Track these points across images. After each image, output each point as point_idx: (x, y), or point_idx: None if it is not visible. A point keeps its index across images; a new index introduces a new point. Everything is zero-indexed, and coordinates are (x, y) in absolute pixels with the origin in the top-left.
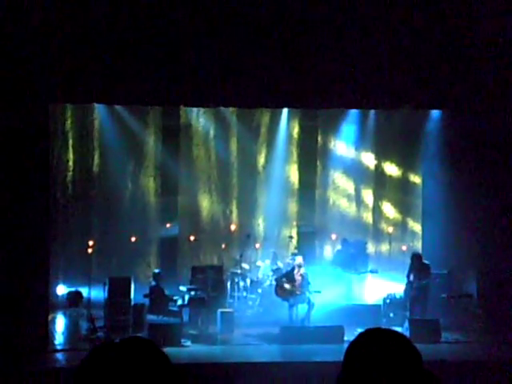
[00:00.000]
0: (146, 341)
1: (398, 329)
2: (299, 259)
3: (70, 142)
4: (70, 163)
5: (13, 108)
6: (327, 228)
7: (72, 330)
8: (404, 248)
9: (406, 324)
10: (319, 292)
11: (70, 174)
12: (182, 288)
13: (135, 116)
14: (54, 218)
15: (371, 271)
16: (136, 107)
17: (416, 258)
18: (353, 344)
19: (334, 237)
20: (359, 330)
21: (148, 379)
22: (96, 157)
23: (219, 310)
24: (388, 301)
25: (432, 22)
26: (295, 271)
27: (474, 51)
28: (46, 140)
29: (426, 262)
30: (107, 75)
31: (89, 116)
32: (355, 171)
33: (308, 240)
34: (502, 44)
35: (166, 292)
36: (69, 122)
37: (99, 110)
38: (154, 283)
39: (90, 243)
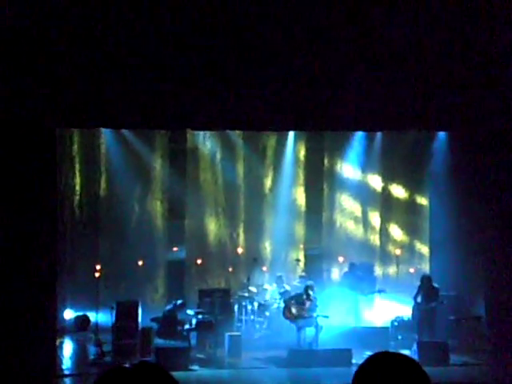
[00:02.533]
0: (155, 366)
1: (407, 351)
2: (310, 283)
3: (77, 166)
4: (77, 188)
5: (20, 133)
6: (334, 250)
7: (80, 354)
8: (411, 270)
9: (415, 347)
10: (327, 317)
11: (77, 198)
12: (190, 312)
13: (142, 140)
14: (61, 243)
15: (379, 291)
16: (142, 131)
17: (426, 280)
18: (361, 368)
19: (341, 259)
20: (367, 353)
21: None
22: (103, 181)
23: (227, 334)
24: (396, 323)
25: (438, 45)
26: (304, 294)
27: (480, 73)
28: (53, 165)
29: (436, 285)
30: (114, 100)
31: (96, 140)
32: (362, 193)
33: (315, 263)
34: (507, 66)
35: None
36: (76, 146)
37: (106, 135)
38: (170, 307)
39: (98, 267)
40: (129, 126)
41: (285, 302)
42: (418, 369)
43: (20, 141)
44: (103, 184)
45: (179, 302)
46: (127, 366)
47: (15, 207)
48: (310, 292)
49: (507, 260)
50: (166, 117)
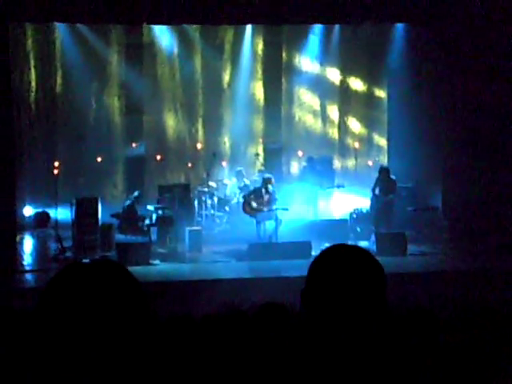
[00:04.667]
0: (114, 262)
1: (365, 243)
2: (268, 176)
3: (32, 62)
4: (33, 84)
5: None
6: (293, 145)
7: (40, 250)
8: (370, 163)
9: (373, 238)
10: (287, 209)
11: (33, 94)
12: (150, 207)
13: (97, 35)
14: (18, 139)
15: (338, 186)
16: (98, 26)
17: (384, 172)
18: (316, 259)
19: (300, 153)
20: (326, 245)
21: (116, 300)
22: (59, 77)
23: (187, 229)
24: (355, 215)
25: None
26: (263, 188)
27: None
28: (7, 60)
29: (393, 176)
30: None
31: (50, 36)
32: (320, 87)
33: (274, 157)
34: None
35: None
36: (30, 41)
37: (61, 30)
38: (129, 202)
39: (56, 164)
40: (84, 20)
41: (244, 197)
42: (371, 259)
43: None
44: (59, 80)
45: (136, 193)
46: (86, 261)
47: None
48: (269, 185)
49: (462, 151)
50: (121, 11)
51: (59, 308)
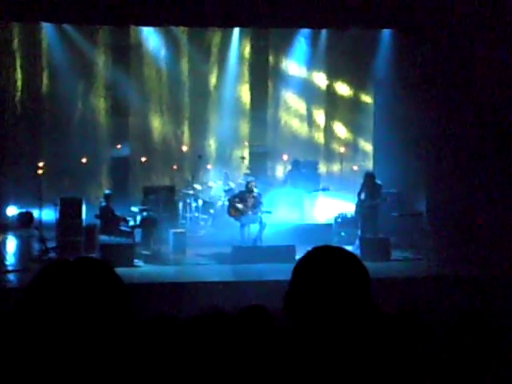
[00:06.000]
0: (98, 261)
1: (349, 247)
2: (250, 179)
3: (18, 61)
4: (19, 83)
5: None
6: (279, 148)
7: (23, 250)
8: (355, 168)
9: (357, 242)
10: (270, 213)
11: (19, 94)
12: (134, 209)
13: (84, 35)
14: (2, 139)
15: (323, 189)
16: (85, 26)
17: (369, 177)
18: (301, 261)
19: (285, 157)
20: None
21: (99, 298)
22: (45, 77)
23: (171, 231)
24: (339, 220)
25: None
26: (248, 192)
27: None
28: None
29: (378, 181)
30: None
31: (37, 35)
32: (307, 91)
33: (260, 160)
34: None
35: (118, 213)
36: (16, 41)
37: (47, 30)
38: (104, 204)
39: (41, 164)
40: (71, 20)
41: (229, 200)
42: (356, 262)
43: None
44: (45, 80)
45: (106, 191)
46: (67, 260)
47: None
48: (254, 188)
49: (447, 157)
50: (109, 12)
51: (43, 304)
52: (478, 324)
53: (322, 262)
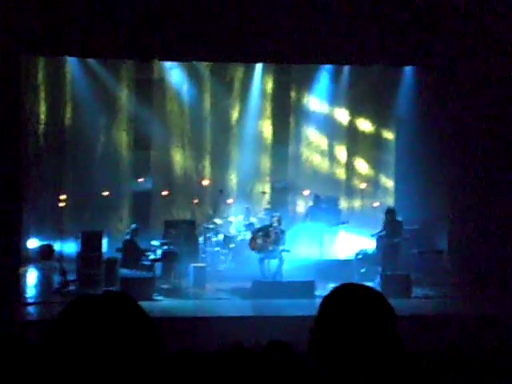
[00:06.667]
0: (123, 295)
1: (370, 284)
2: (276, 215)
3: (42, 94)
4: (42, 116)
5: None
6: (300, 184)
7: (43, 283)
8: (376, 204)
9: (378, 279)
10: (288, 251)
11: (42, 126)
12: (155, 242)
13: (108, 69)
14: (25, 171)
15: (342, 222)
16: (109, 61)
17: (390, 213)
18: (327, 297)
19: (306, 193)
20: (331, 285)
21: (127, 333)
22: (68, 110)
23: (192, 265)
24: (360, 256)
25: None
26: (271, 227)
27: (446, 6)
28: (17, 92)
29: (399, 218)
30: (80, 28)
31: (61, 69)
32: (328, 127)
33: (281, 195)
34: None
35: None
36: (40, 74)
37: (72, 63)
38: (128, 237)
39: (63, 197)
40: (95, 55)
41: (252, 233)
42: (382, 300)
43: None
44: (68, 113)
45: (133, 226)
46: (95, 294)
47: None
48: (278, 224)
49: (469, 194)
50: (132, 46)
51: (71, 339)
52: (500, 364)
53: (349, 299)
